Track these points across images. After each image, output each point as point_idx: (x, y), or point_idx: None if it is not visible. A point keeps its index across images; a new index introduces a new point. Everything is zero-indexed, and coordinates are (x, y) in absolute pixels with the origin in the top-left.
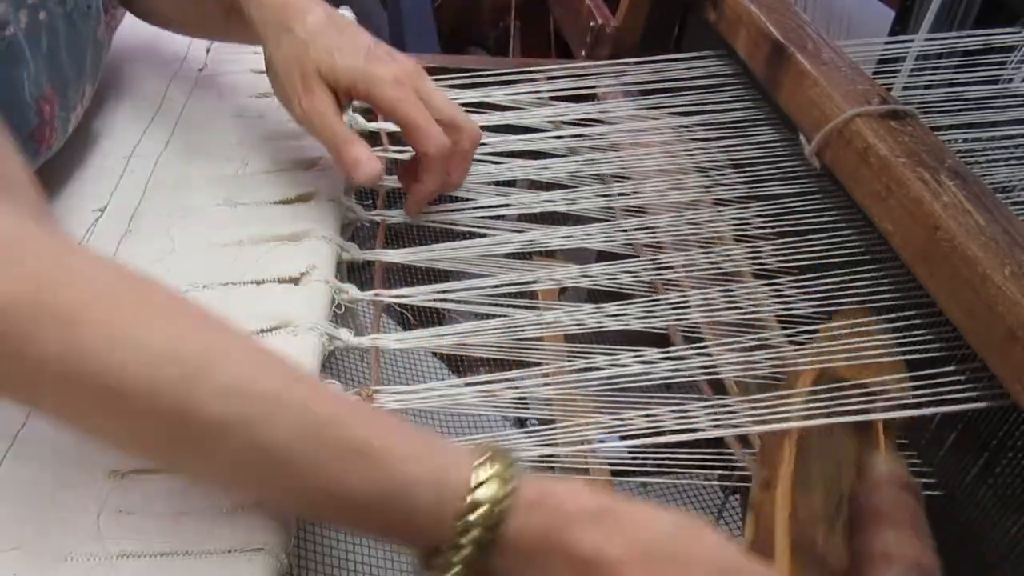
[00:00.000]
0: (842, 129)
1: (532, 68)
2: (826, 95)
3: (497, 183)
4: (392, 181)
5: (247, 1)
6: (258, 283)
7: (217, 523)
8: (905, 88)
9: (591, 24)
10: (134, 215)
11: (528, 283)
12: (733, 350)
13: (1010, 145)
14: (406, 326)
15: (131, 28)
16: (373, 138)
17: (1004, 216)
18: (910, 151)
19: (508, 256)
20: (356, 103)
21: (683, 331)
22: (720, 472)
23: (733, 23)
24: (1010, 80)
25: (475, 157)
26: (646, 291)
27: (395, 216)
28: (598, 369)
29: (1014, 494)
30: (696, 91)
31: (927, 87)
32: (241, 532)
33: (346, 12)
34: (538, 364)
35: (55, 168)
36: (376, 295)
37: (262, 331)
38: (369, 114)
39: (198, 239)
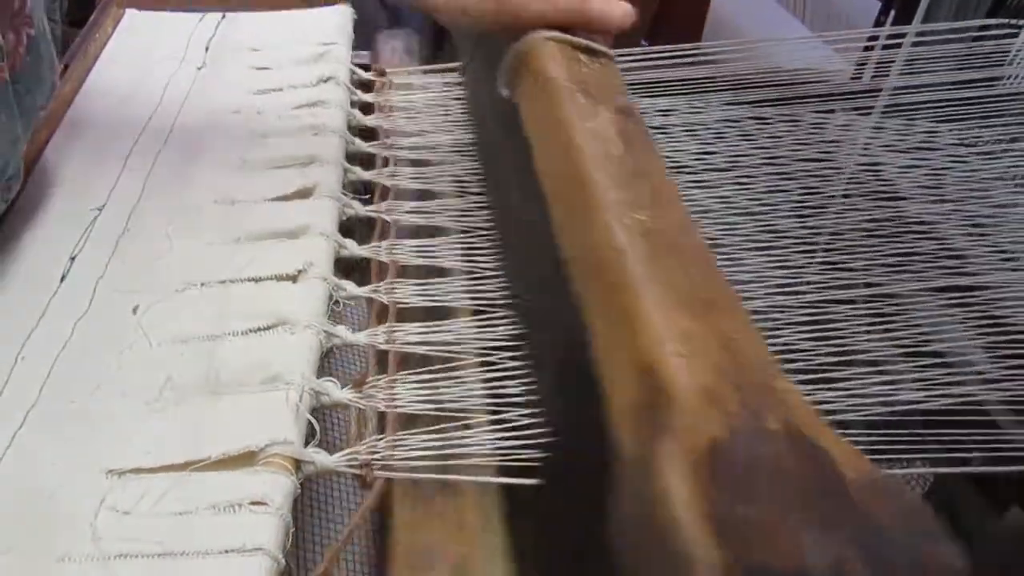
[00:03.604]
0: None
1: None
2: None
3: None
4: (388, 177)
5: None
6: (256, 280)
7: (215, 523)
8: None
9: None
10: (132, 213)
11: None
12: None
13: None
14: None
15: (130, 28)
16: (371, 133)
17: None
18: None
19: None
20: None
21: None
22: None
23: None
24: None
25: None
26: None
27: (395, 211)
28: None
29: None
30: None
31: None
32: (239, 532)
33: (347, 10)
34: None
35: (54, 166)
36: (374, 290)
37: (259, 329)
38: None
39: (196, 237)
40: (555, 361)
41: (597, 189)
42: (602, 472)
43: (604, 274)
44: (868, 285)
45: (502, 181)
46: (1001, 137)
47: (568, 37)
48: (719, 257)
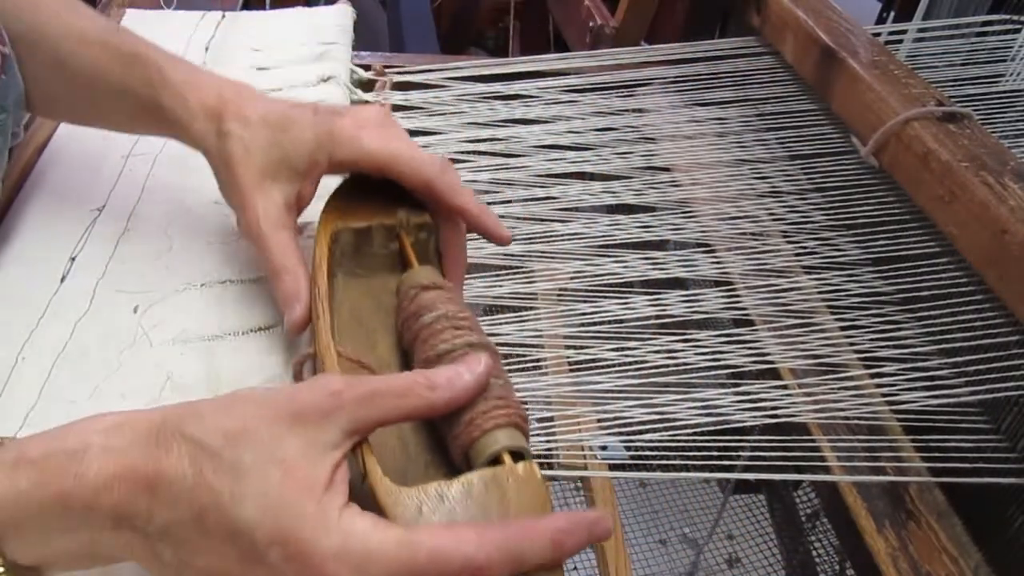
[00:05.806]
0: (899, 132)
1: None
2: (880, 99)
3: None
4: None
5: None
6: (255, 280)
7: None
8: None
9: (590, 24)
10: (132, 214)
11: (529, 281)
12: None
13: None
14: None
15: (130, 27)
16: None
17: None
18: (971, 155)
19: (506, 254)
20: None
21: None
22: (720, 473)
23: (779, 28)
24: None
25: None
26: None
27: None
28: (599, 369)
29: None
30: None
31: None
32: None
33: (347, 10)
34: (536, 362)
35: (54, 167)
36: None
37: (259, 329)
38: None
39: (196, 237)
40: None
41: None
42: None
43: None
44: None
45: None
46: (1005, 133)
47: (931, 110)
48: None
